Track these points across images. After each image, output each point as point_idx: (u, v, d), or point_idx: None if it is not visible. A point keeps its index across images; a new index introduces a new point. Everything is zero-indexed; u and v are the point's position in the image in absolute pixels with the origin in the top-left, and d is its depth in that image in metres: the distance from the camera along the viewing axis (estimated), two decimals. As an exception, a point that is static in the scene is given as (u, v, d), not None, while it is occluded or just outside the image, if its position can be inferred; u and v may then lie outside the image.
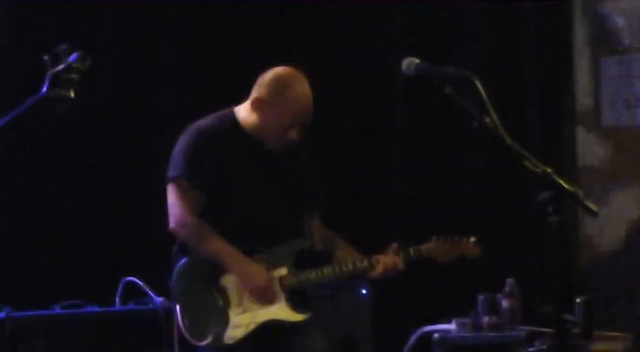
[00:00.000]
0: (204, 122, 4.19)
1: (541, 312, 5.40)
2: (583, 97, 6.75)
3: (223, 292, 4.08)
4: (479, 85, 3.32)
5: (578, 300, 5.25)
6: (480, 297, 5.42)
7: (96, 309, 5.14)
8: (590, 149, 6.69)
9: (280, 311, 4.05)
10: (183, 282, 4.13)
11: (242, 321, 4.04)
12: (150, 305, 5.14)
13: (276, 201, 4.11)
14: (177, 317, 4.13)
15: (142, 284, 5.17)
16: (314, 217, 4.26)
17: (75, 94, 3.09)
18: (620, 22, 6.64)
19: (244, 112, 4.15)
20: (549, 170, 3.25)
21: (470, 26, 6.56)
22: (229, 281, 4.09)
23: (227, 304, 4.07)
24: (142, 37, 6.18)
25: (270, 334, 4.07)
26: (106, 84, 5.95)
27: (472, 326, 5.34)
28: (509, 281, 5.40)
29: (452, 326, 5.36)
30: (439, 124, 6.30)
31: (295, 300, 4.08)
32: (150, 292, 5.15)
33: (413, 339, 5.41)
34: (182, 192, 4.07)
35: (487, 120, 3.34)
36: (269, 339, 4.07)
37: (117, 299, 5.20)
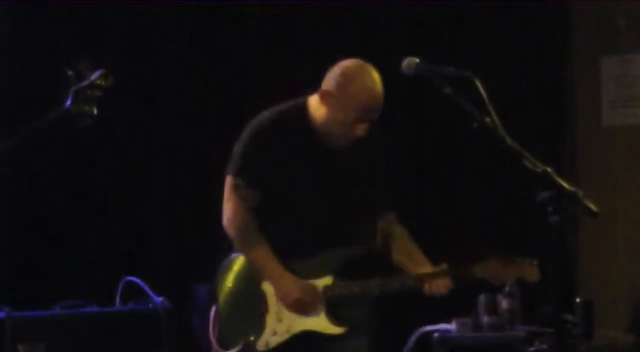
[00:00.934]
0: (267, 115, 4.03)
1: (541, 312, 5.39)
2: (583, 97, 6.76)
3: (263, 296, 4.00)
4: (478, 85, 3.32)
5: (578, 300, 5.25)
6: (480, 297, 5.42)
7: (96, 309, 5.13)
8: (590, 149, 6.70)
9: (319, 322, 3.94)
10: (224, 281, 4.09)
11: (278, 328, 3.95)
12: (150, 305, 5.14)
13: (331, 205, 3.96)
14: (210, 319, 4.07)
15: (142, 284, 5.17)
16: (383, 217, 4.10)
17: (97, 111, 3.14)
18: (620, 22, 6.65)
19: (314, 103, 3.98)
20: (549, 170, 3.25)
21: (470, 26, 6.56)
22: (270, 287, 4.00)
23: (265, 309, 3.99)
24: (142, 36, 6.19)
25: (305, 345, 3.96)
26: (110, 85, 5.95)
27: (472, 326, 5.33)
28: (509, 281, 5.39)
29: (452, 326, 5.36)
30: (439, 124, 6.30)
31: (336, 311, 3.96)
32: (150, 292, 5.15)
33: (413, 339, 5.41)
34: (235, 190, 3.99)
35: (487, 120, 3.34)
36: (306, 349, 3.96)
37: (117, 299, 5.20)
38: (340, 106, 3.87)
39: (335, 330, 3.92)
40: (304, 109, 3.98)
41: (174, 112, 6.22)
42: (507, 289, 5.37)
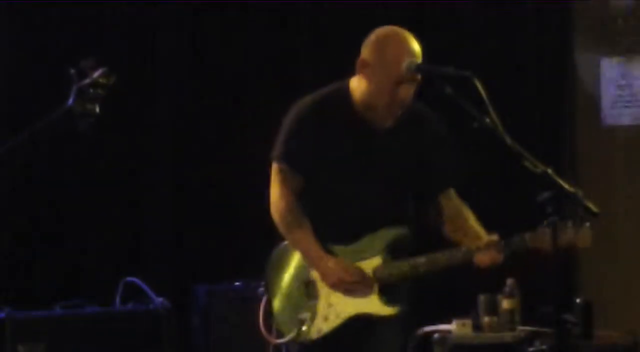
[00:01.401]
0: (311, 98, 3.95)
1: (541, 312, 5.39)
2: (583, 97, 6.75)
3: (313, 283, 3.91)
4: (478, 85, 3.33)
5: (578, 300, 5.25)
6: (480, 297, 5.42)
7: (96, 309, 5.14)
8: (590, 149, 6.69)
9: (370, 304, 3.83)
10: (274, 271, 3.99)
11: (329, 314, 3.86)
12: (150, 305, 5.15)
13: (376, 187, 3.87)
14: (261, 307, 3.97)
15: (142, 284, 5.17)
16: (440, 194, 3.98)
17: (100, 110, 3.13)
18: (620, 22, 6.64)
19: (355, 80, 3.88)
20: (549, 170, 3.26)
21: (470, 27, 6.56)
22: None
23: (315, 296, 3.90)
24: (142, 36, 6.19)
25: (360, 327, 3.86)
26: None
27: (472, 326, 5.33)
28: (509, 281, 5.39)
29: (452, 326, 5.36)
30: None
31: (388, 292, 3.85)
32: (150, 292, 5.16)
33: (413, 339, 5.40)
34: (279, 174, 3.91)
35: (487, 120, 3.34)
36: (359, 332, 3.86)
37: (117, 299, 5.20)
38: (380, 70, 3.75)
39: (389, 311, 3.84)
40: (346, 91, 3.90)
41: (175, 112, 6.22)
42: (507, 289, 5.37)
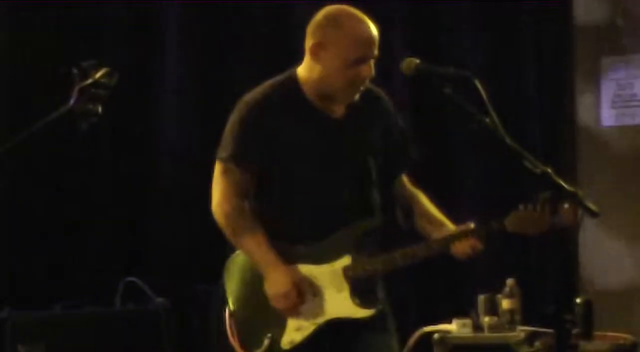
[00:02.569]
0: (257, 92, 3.72)
1: (541, 312, 5.39)
2: (583, 97, 6.75)
3: None
4: (478, 85, 3.33)
5: (578, 300, 5.25)
6: (480, 297, 5.42)
7: (96, 309, 5.14)
8: (590, 148, 6.69)
9: (344, 307, 3.61)
10: (234, 281, 3.74)
11: (301, 322, 3.61)
12: (150, 305, 5.15)
13: (338, 178, 3.66)
14: (225, 321, 3.69)
15: (142, 284, 5.18)
16: (396, 182, 3.84)
17: (102, 110, 3.12)
18: (620, 22, 6.64)
19: (304, 69, 3.70)
20: (549, 170, 3.26)
21: (470, 27, 6.56)
22: None
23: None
24: (142, 35, 6.19)
25: (335, 335, 3.63)
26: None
27: (472, 326, 5.33)
28: (509, 281, 5.39)
29: (452, 326, 5.36)
30: (439, 124, 6.30)
31: (362, 293, 3.63)
32: (150, 292, 5.16)
33: (413, 339, 5.41)
34: (227, 175, 3.71)
35: (487, 120, 3.34)
36: (335, 338, 3.64)
37: (117, 299, 5.20)
38: (336, 51, 3.60)
39: (365, 313, 3.63)
40: (294, 80, 3.70)
41: (175, 112, 6.21)
42: (507, 289, 5.37)
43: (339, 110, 3.70)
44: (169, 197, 6.17)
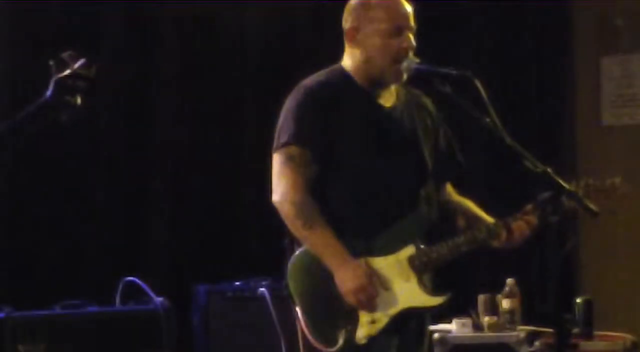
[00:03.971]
0: (313, 79, 3.66)
1: (541, 312, 5.39)
2: (583, 97, 6.76)
3: None
4: (478, 85, 3.33)
5: (578, 300, 5.25)
6: (480, 297, 5.42)
7: (96, 309, 5.13)
8: (590, 148, 6.70)
9: (414, 297, 3.55)
10: (300, 280, 3.58)
11: (373, 316, 3.52)
12: (150, 305, 5.14)
13: (396, 168, 3.60)
14: (299, 321, 3.56)
15: (142, 284, 5.17)
16: (443, 186, 3.81)
17: (81, 101, 3.04)
18: (620, 22, 6.65)
19: (346, 58, 3.68)
20: (549, 170, 3.26)
21: (470, 26, 6.56)
22: None
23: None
24: (141, 35, 6.19)
25: (411, 323, 3.61)
26: (106, 84, 5.96)
27: (472, 326, 5.33)
28: (509, 281, 5.39)
29: (452, 326, 5.36)
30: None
31: (430, 281, 3.61)
32: (150, 292, 5.15)
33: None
34: (292, 162, 3.53)
35: (487, 120, 3.34)
36: (411, 327, 3.63)
37: (117, 299, 5.20)
38: (371, 29, 3.60)
39: (436, 301, 3.59)
40: (341, 69, 3.68)
41: (175, 112, 6.21)
42: (507, 289, 5.37)
43: (389, 100, 3.67)
44: (169, 196, 6.17)
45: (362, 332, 3.53)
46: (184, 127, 6.23)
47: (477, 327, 5.34)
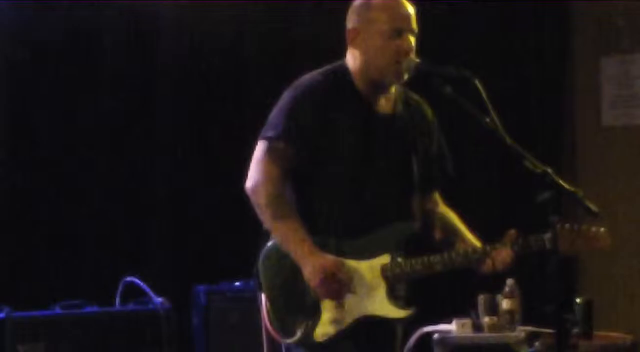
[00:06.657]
0: (312, 77, 3.66)
1: (541, 312, 5.39)
2: (583, 97, 6.76)
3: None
4: (478, 85, 3.33)
5: (578, 300, 5.25)
6: (480, 297, 5.42)
7: (96, 309, 5.14)
8: (590, 148, 6.70)
9: (380, 306, 3.55)
10: (270, 268, 3.59)
11: (336, 315, 3.53)
12: (150, 305, 5.15)
13: (384, 176, 3.61)
14: (262, 309, 3.59)
15: (142, 284, 5.18)
16: (431, 194, 3.78)
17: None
18: (620, 22, 6.65)
19: (349, 58, 3.67)
20: (549, 170, 3.26)
21: (470, 26, 6.57)
22: None
23: (319, 296, 3.54)
24: (143, 36, 6.19)
25: (369, 330, 3.58)
26: (106, 84, 5.97)
27: (472, 326, 5.34)
28: (509, 281, 5.39)
29: (452, 326, 5.36)
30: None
31: (398, 293, 3.59)
32: (150, 292, 5.16)
33: (413, 339, 5.41)
34: (274, 154, 3.55)
35: (487, 120, 3.34)
36: (368, 334, 3.59)
37: (117, 299, 5.21)
38: (371, 30, 3.59)
39: (400, 313, 3.58)
40: (344, 69, 3.67)
41: (174, 112, 6.22)
42: (507, 289, 5.37)
43: (386, 106, 3.67)
44: (169, 196, 6.17)
45: (322, 330, 3.53)
46: (184, 127, 6.23)
47: (477, 327, 5.35)
